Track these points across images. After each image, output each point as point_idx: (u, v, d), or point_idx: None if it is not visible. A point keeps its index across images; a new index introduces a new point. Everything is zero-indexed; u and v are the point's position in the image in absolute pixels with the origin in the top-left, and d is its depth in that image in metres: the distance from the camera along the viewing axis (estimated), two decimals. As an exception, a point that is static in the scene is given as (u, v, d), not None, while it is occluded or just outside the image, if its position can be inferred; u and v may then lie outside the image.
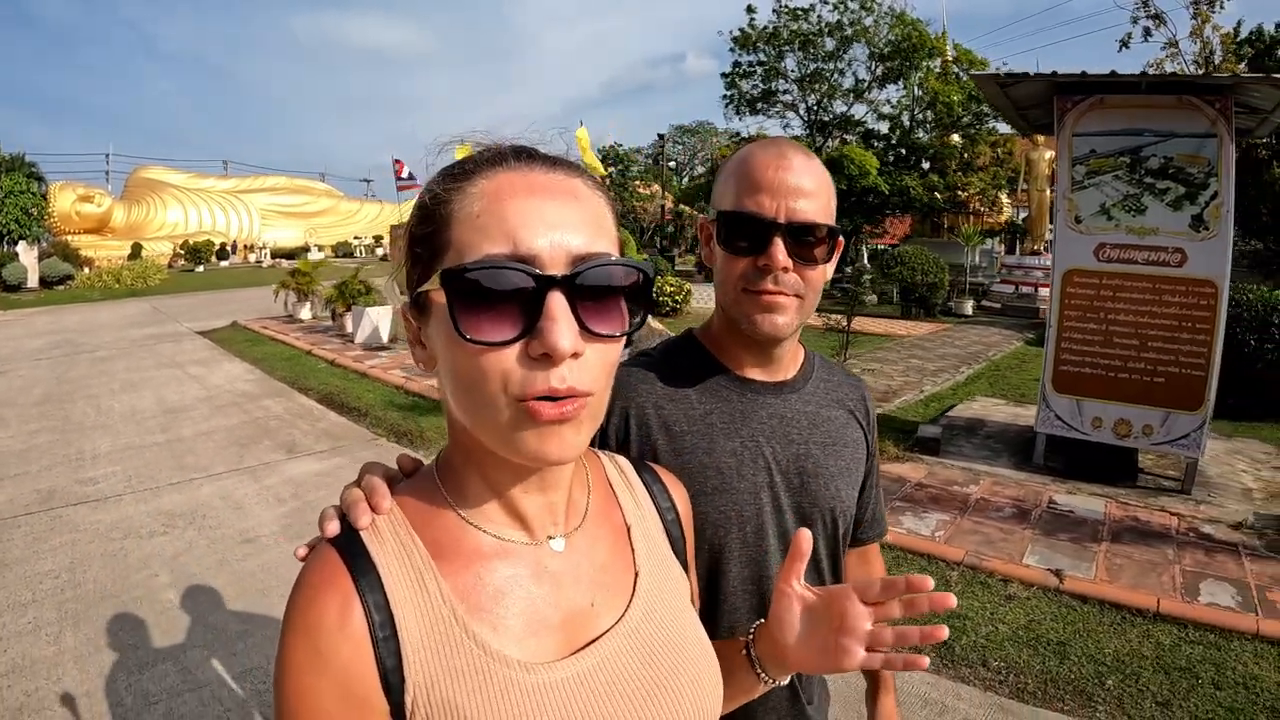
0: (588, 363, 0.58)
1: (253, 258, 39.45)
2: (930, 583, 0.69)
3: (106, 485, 5.21)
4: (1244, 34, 21.84)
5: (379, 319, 11.27)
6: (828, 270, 1.00)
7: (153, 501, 4.90)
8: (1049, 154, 18.28)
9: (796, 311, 0.98)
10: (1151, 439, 5.10)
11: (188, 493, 5.08)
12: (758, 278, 0.95)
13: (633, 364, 1.08)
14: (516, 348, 0.56)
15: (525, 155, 0.61)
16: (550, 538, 0.68)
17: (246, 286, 22.57)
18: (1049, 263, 15.00)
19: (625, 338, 0.61)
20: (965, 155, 22.95)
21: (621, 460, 0.86)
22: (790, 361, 1.10)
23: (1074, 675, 3.05)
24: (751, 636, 0.83)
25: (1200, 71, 20.92)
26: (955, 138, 23.13)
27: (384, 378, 8.68)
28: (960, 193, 22.64)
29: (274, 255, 38.98)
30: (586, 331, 0.57)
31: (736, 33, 25.90)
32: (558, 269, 0.56)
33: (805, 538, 0.76)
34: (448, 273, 0.55)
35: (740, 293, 0.98)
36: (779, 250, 0.93)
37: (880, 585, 0.72)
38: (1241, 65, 21.58)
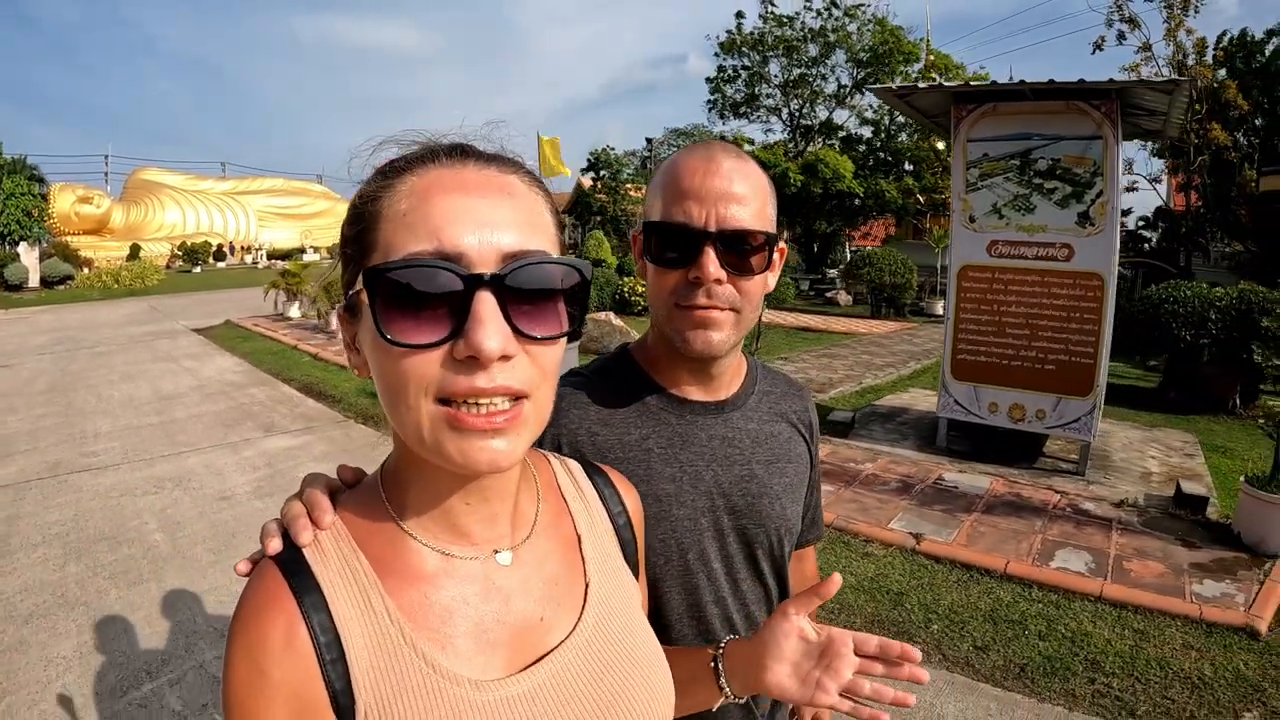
0: (519, 365, 0.56)
1: (249, 259, 39.93)
2: (918, 655, 0.74)
3: (106, 457, 5.81)
4: (1229, 38, 22.38)
5: None
6: (768, 280, 0.96)
7: (146, 470, 5.50)
8: None
9: (733, 327, 0.93)
10: (1045, 423, 5.49)
11: (176, 463, 5.68)
12: (689, 292, 0.91)
13: (564, 385, 1.01)
14: (441, 351, 0.54)
15: (459, 152, 0.60)
16: (496, 551, 0.66)
17: (242, 287, 23.11)
18: None
19: (562, 340, 0.60)
20: (942, 159, 23.50)
21: (572, 463, 0.84)
22: (731, 377, 1.05)
23: (902, 619, 3.34)
24: (721, 650, 0.84)
25: (1175, 75, 21.46)
26: (940, 144, 23.66)
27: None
28: (937, 195, 23.19)
29: (270, 256, 39.45)
30: (519, 334, 0.55)
31: (723, 37, 26.55)
32: (486, 268, 0.54)
33: (835, 583, 0.80)
34: (370, 272, 0.54)
35: (672, 309, 0.93)
36: (710, 261, 0.88)
37: (877, 644, 0.76)
38: (1222, 71, 22.13)
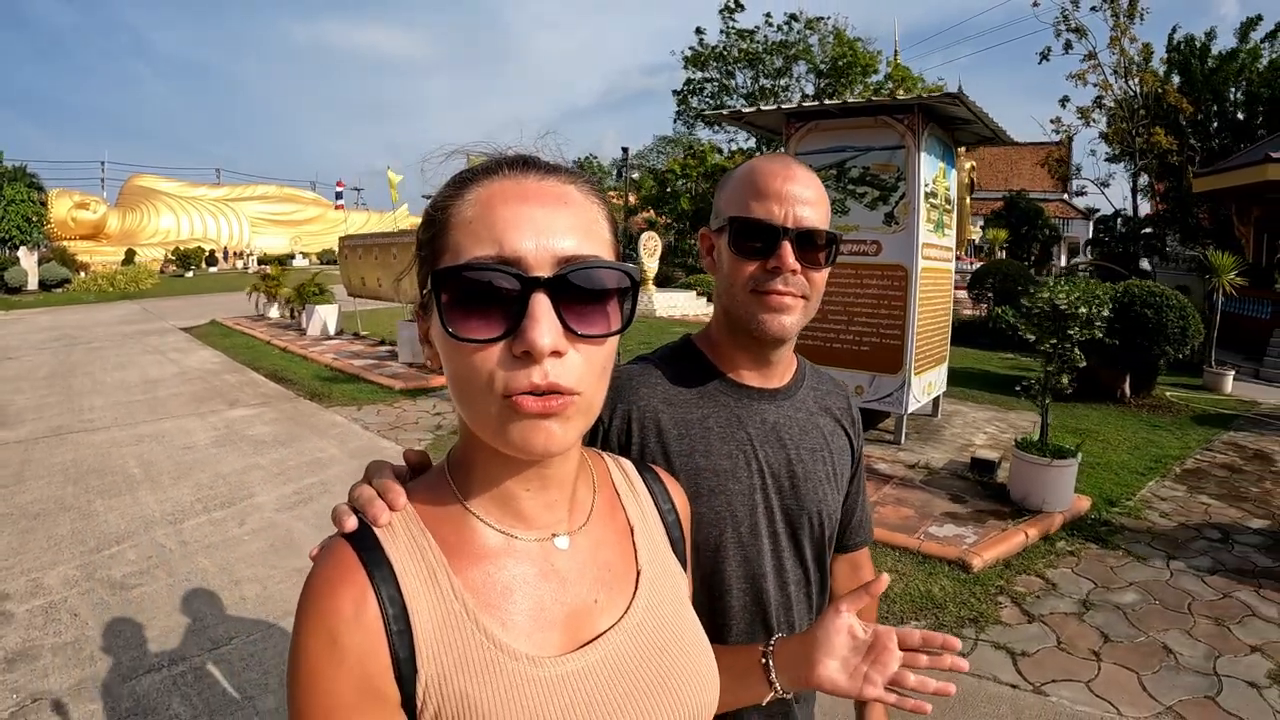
0: (571, 362, 0.59)
1: (240, 264, 40.97)
2: (958, 644, 0.79)
3: (99, 422, 7.11)
4: (1178, 41, 22.76)
5: (326, 315, 13.39)
6: (826, 273, 1.05)
7: (130, 430, 6.81)
8: (969, 164, 19.89)
9: (802, 312, 1.03)
10: (863, 398, 6.18)
11: (154, 426, 6.99)
12: (767, 279, 1.00)
13: (633, 366, 1.12)
14: (501, 346, 0.58)
15: (521, 163, 0.64)
16: (555, 535, 0.70)
17: (231, 290, 24.42)
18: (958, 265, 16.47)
19: (613, 339, 0.63)
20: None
21: (625, 463, 0.88)
22: (785, 368, 1.14)
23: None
24: (771, 648, 0.88)
25: (1124, 81, 22.41)
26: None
27: (318, 359, 10.71)
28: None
29: (260, 261, 40.61)
30: (571, 332, 0.59)
31: (688, 52, 27.78)
32: (542, 271, 0.58)
33: (883, 581, 0.85)
34: (437, 274, 0.59)
35: (749, 294, 1.02)
36: (788, 253, 0.98)
37: (920, 637, 0.80)
38: (1176, 77, 22.87)
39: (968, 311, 15.97)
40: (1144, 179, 24.11)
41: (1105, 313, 7.58)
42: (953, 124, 6.84)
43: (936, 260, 6.75)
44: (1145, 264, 21.09)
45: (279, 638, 3.25)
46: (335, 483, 5.34)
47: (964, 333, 13.26)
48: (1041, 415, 5.20)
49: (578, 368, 0.60)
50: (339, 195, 26.53)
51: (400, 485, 0.68)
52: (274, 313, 16.43)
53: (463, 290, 0.58)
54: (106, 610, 3.46)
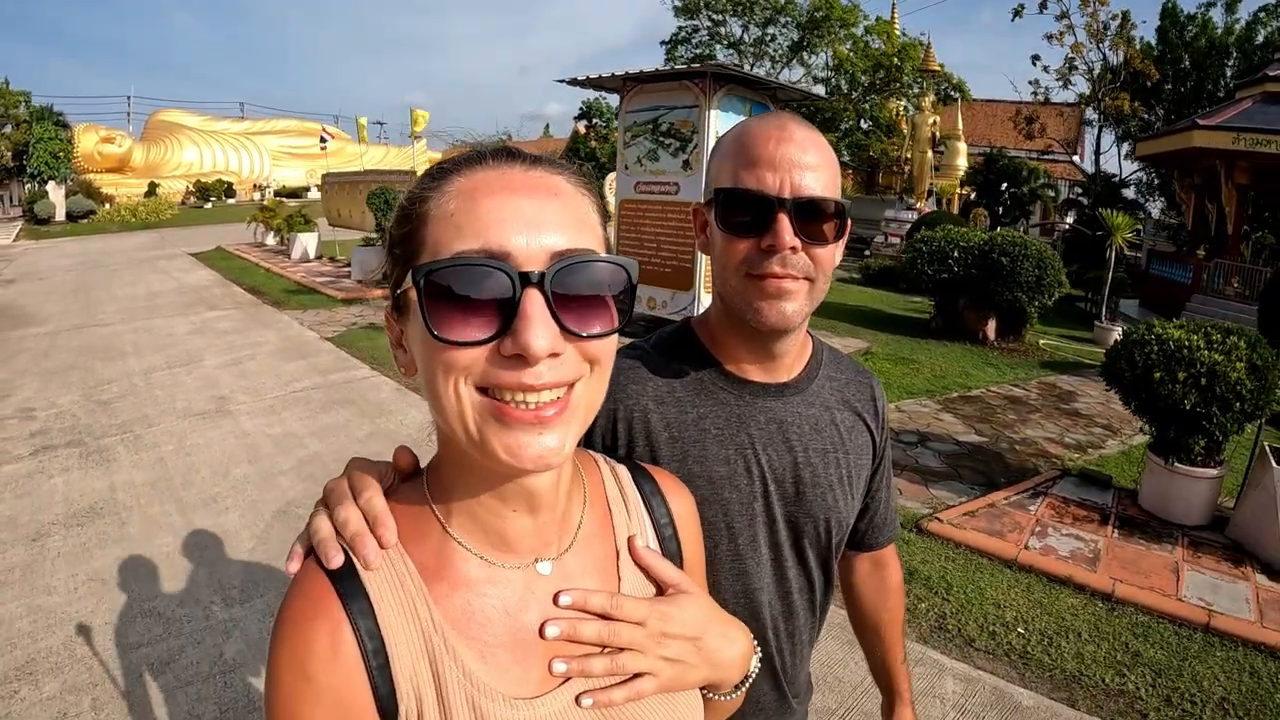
0: (567, 361, 0.56)
1: (257, 196, 42.98)
2: None
3: (108, 320, 9.55)
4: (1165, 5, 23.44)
5: (307, 242, 15.75)
6: (837, 251, 0.93)
7: (129, 324, 9.23)
8: (932, 119, 20.73)
9: (807, 297, 0.91)
10: (666, 310, 8.12)
11: (149, 321, 9.41)
12: (762, 260, 0.88)
13: (624, 358, 1.01)
14: (489, 348, 0.54)
15: (505, 154, 0.60)
16: (538, 560, 0.66)
17: (245, 221, 26.71)
18: (909, 215, 17.92)
19: (612, 336, 0.60)
20: (877, 115, 25.32)
21: (621, 470, 0.82)
22: (795, 359, 1.02)
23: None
24: None
25: (1096, 44, 22.87)
26: (902, 103, 25.22)
27: (290, 276, 13.10)
28: (873, 153, 24.84)
29: (277, 194, 42.53)
30: (567, 332, 0.55)
31: (678, 1, 28.48)
32: (534, 266, 0.54)
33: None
34: (419, 270, 0.54)
35: (743, 279, 0.90)
36: (785, 229, 0.86)
37: None
38: (1152, 39, 23.04)
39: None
40: (1123, 146, 24.32)
41: (955, 254, 8.92)
42: (762, 86, 8.67)
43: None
44: None
45: (181, 402, 5.59)
46: (260, 354, 7.67)
47: (885, 277, 14.49)
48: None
49: (575, 366, 0.57)
50: (323, 141, 28.41)
51: (389, 513, 0.63)
52: (270, 240, 18.75)
53: (445, 288, 0.53)
54: (93, 413, 5.84)
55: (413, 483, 0.68)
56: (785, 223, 0.86)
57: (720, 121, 8.19)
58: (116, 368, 7.14)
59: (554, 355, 0.55)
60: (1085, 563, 3.90)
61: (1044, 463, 5.34)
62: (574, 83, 9.02)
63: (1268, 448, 4.14)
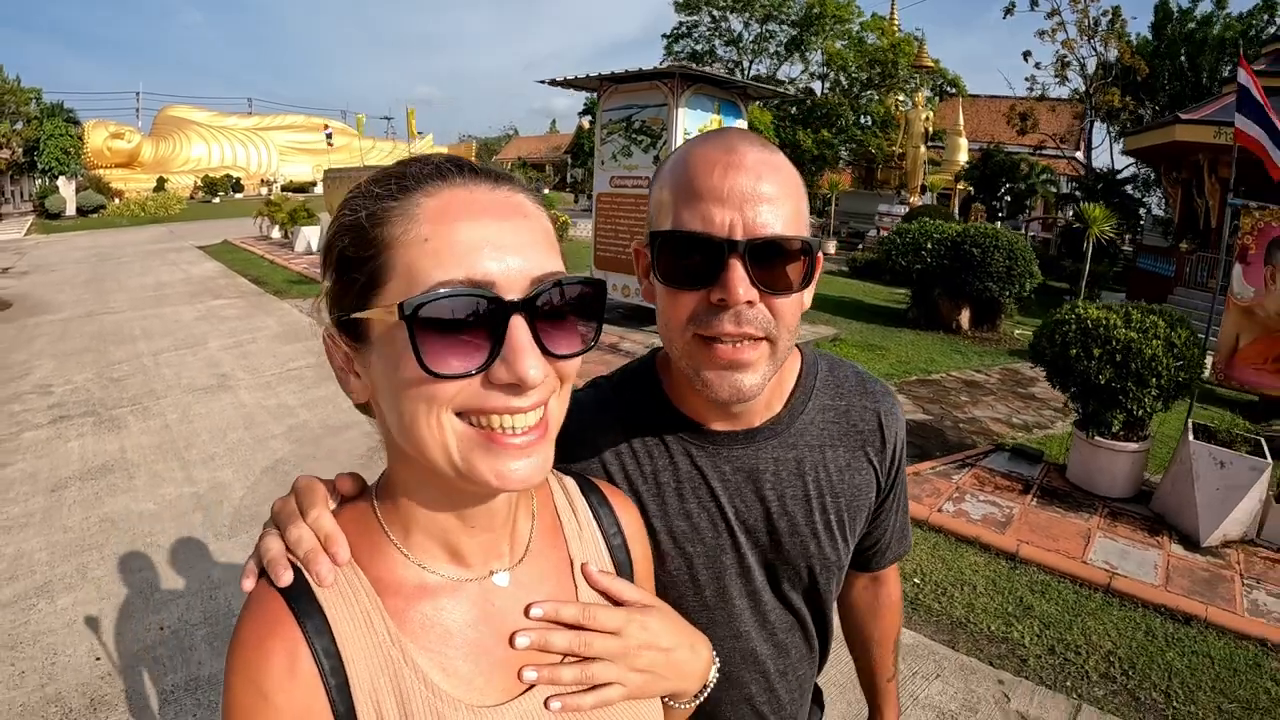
0: (547, 381, 0.57)
1: (264, 191, 43.54)
2: None
3: (118, 308, 10.18)
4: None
5: (310, 235, 16.28)
6: (805, 297, 0.80)
7: (139, 312, 9.84)
8: (925, 114, 21.00)
9: (769, 361, 0.78)
10: (640, 298, 8.37)
11: (158, 310, 10.03)
12: (712, 318, 0.75)
13: (581, 400, 0.91)
14: (479, 377, 0.55)
15: (466, 170, 0.59)
16: (493, 572, 0.67)
17: (252, 215, 27.35)
18: (901, 210, 18.26)
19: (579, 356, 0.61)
20: (870, 110, 25.54)
21: (569, 482, 0.81)
22: (766, 403, 0.90)
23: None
24: None
25: (1088, 41, 23.02)
26: (900, 97, 25.34)
27: (292, 268, 13.72)
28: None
29: (285, 189, 43.00)
30: (548, 354, 0.57)
31: None
32: (516, 293, 0.55)
33: None
34: (407, 304, 0.52)
35: (690, 340, 0.77)
36: (738, 278, 0.72)
37: None
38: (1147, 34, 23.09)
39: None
40: (1117, 142, 23.87)
41: (929, 246, 9.17)
42: (731, 85, 9.18)
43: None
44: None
45: (188, 376, 6.18)
46: (261, 337, 8.26)
47: (871, 269, 14.61)
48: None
49: (551, 384, 0.58)
50: (329, 137, 29.30)
51: (339, 530, 0.63)
52: (275, 234, 19.35)
53: (433, 320, 0.52)
54: (105, 388, 6.44)
55: (358, 502, 0.68)
56: (739, 271, 0.72)
57: (688, 120, 8.65)
58: (127, 350, 7.74)
59: None
60: (996, 525, 4.08)
61: (984, 440, 5.57)
62: (554, 83, 9.49)
63: (1190, 424, 4.32)
